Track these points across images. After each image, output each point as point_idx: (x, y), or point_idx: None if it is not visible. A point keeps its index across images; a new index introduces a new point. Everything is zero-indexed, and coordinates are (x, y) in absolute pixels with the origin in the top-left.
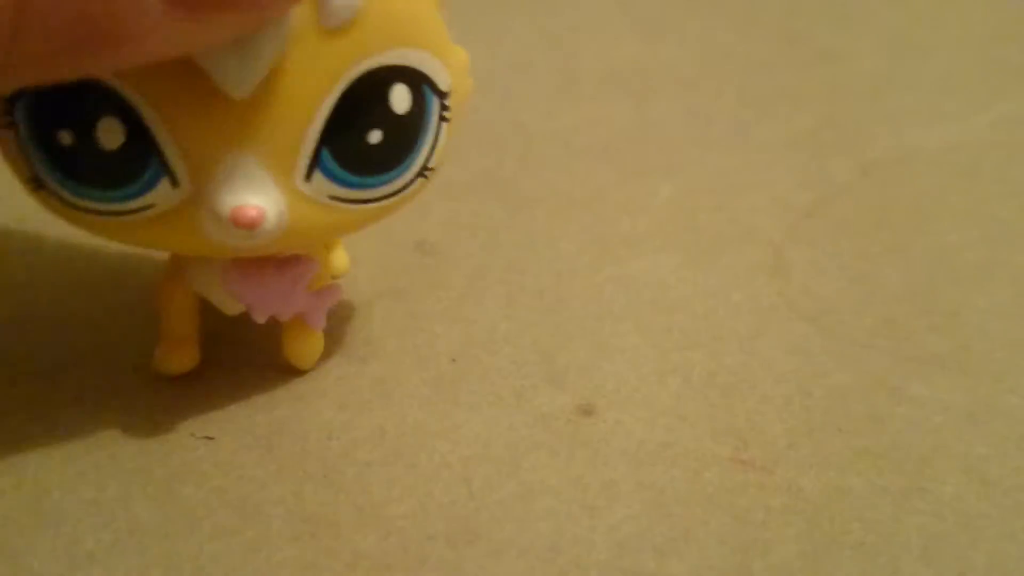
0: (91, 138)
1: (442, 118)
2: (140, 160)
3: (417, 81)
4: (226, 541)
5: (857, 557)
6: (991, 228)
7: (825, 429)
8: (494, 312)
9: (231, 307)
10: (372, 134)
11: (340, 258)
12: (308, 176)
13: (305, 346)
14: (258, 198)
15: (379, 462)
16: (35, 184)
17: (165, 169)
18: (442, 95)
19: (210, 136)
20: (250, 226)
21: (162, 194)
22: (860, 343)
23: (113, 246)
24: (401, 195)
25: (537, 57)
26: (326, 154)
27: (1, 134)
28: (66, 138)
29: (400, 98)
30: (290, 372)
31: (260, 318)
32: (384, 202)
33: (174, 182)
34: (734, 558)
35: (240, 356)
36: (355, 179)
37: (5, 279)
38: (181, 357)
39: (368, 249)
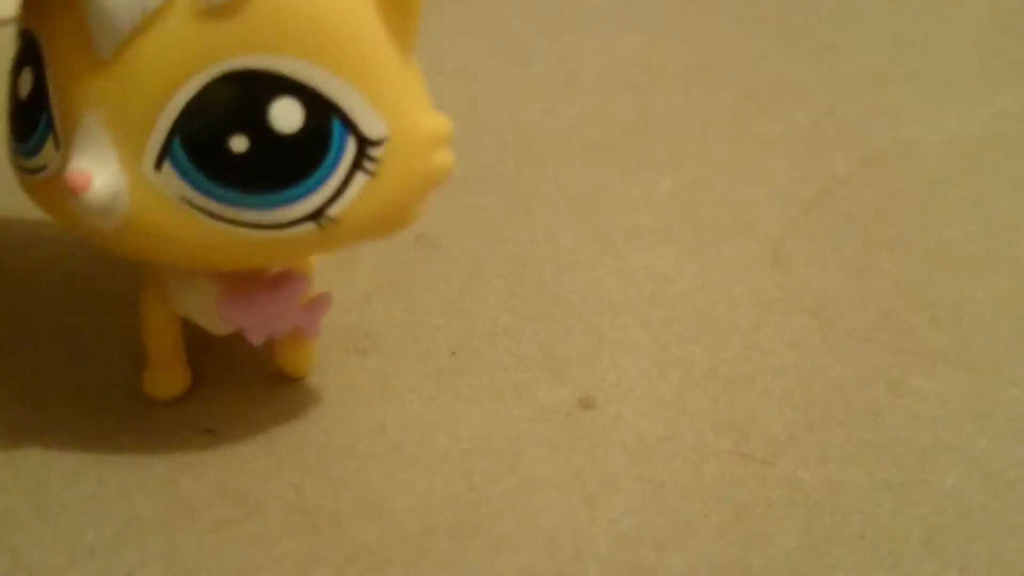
0: (16, 85)
1: (359, 166)
2: (36, 110)
3: (320, 106)
4: (226, 534)
5: (857, 550)
6: (991, 221)
7: (825, 422)
8: (494, 305)
9: (220, 328)
10: (235, 140)
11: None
12: (158, 165)
13: (299, 356)
14: (92, 165)
15: (379, 455)
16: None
17: (50, 125)
18: (364, 140)
19: (76, 94)
20: (76, 191)
21: (49, 154)
22: (860, 336)
23: None
24: (283, 233)
25: (537, 52)
26: (177, 145)
27: None
28: (10, 86)
29: (285, 114)
30: (283, 379)
31: (258, 340)
32: (259, 232)
33: (56, 142)
34: (734, 551)
35: (239, 350)
36: (212, 186)
37: (5, 273)
38: (169, 381)
39: (368, 243)
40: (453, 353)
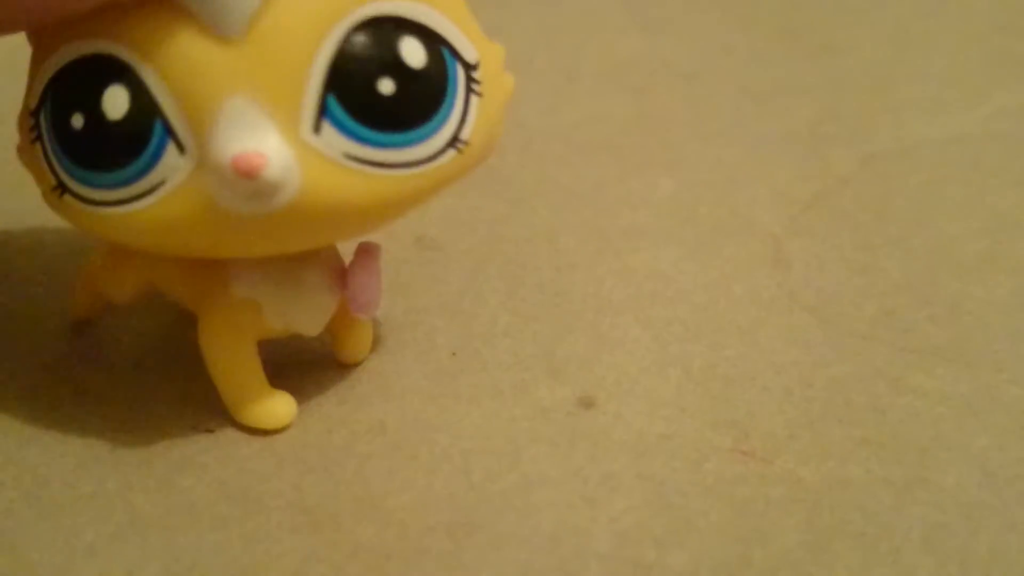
0: (99, 111)
1: (471, 90)
2: (145, 122)
3: (432, 41)
4: (226, 533)
5: (858, 547)
6: (992, 220)
7: (825, 420)
8: (494, 306)
9: (318, 326)
10: (383, 82)
11: None
12: (317, 127)
13: (362, 338)
14: (255, 143)
15: (379, 454)
16: (60, 190)
17: (168, 131)
18: (467, 65)
19: (205, 83)
20: (251, 173)
21: (170, 164)
22: (861, 334)
23: None
24: (430, 165)
25: (537, 52)
26: (333, 101)
27: (30, 150)
28: (78, 120)
29: (412, 51)
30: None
31: (373, 312)
32: (412, 170)
33: (180, 147)
34: (734, 549)
35: None
36: (371, 134)
37: (7, 273)
38: (280, 401)
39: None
40: (453, 353)
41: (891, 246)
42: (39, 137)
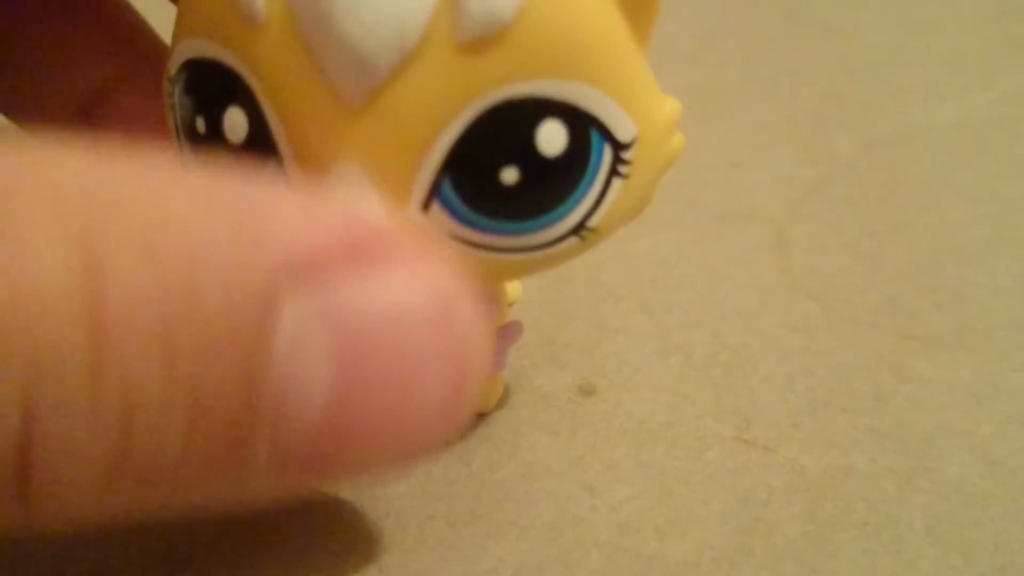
0: (219, 128)
1: (615, 172)
2: (259, 154)
3: (581, 121)
4: (226, 524)
5: (861, 536)
6: (996, 205)
7: (828, 408)
8: None
9: None
10: (507, 172)
11: (513, 285)
12: (426, 206)
13: (491, 389)
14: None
15: None
16: None
17: (282, 175)
18: (618, 145)
19: (321, 141)
20: None
21: None
22: (863, 322)
23: None
24: (544, 252)
25: None
26: (447, 185)
27: (169, 116)
28: (201, 124)
29: (552, 137)
30: None
31: (500, 368)
32: (522, 255)
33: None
34: (736, 538)
35: None
36: (484, 221)
37: None
38: None
39: None
40: None
41: (894, 232)
42: (172, 108)
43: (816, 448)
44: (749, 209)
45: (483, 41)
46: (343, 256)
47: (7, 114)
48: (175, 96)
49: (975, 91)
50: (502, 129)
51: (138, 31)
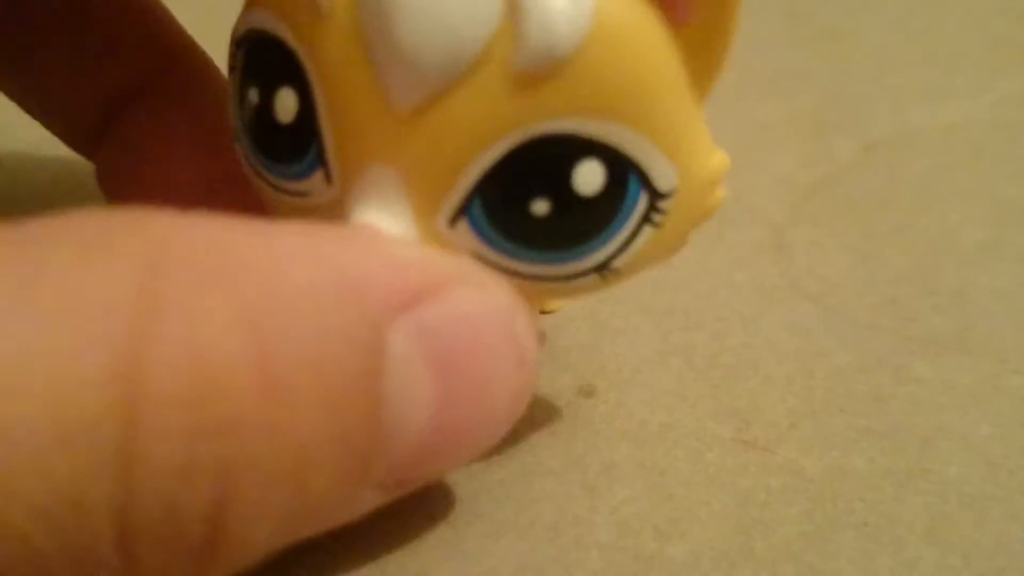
0: (270, 104)
1: (647, 219)
2: (303, 143)
3: (621, 165)
4: None
5: (860, 537)
6: (995, 207)
7: (827, 409)
8: None
9: None
10: (538, 204)
11: None
12: (453, 222)
13: None
14: (386, 219)
15: None
16: (233, 135)
17: (321, 159)
18: (656, 194)
19: (363, 140)
20: None
21: (317, 185)
22: (863, 323)
23: None
24: (563, 284)
25: None
26: (477, 205)
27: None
28: (253, 95)
29: (589, 177)
30: None
31: None
32: (542, 284)
33: (328, 177)
34: (736, 538)
35: None
36: (506, 245)
37: None
38: None
39: None
40: None
41: (894, 234)
42: (233, 70)
43: (815, 449)
44: (749, 211)
45: (537, 72)
46: (423, 291)
47: (32, 114)
48: (237, 58)
49: (975, 93)
50: (541, 161)
51: (166, 30)
